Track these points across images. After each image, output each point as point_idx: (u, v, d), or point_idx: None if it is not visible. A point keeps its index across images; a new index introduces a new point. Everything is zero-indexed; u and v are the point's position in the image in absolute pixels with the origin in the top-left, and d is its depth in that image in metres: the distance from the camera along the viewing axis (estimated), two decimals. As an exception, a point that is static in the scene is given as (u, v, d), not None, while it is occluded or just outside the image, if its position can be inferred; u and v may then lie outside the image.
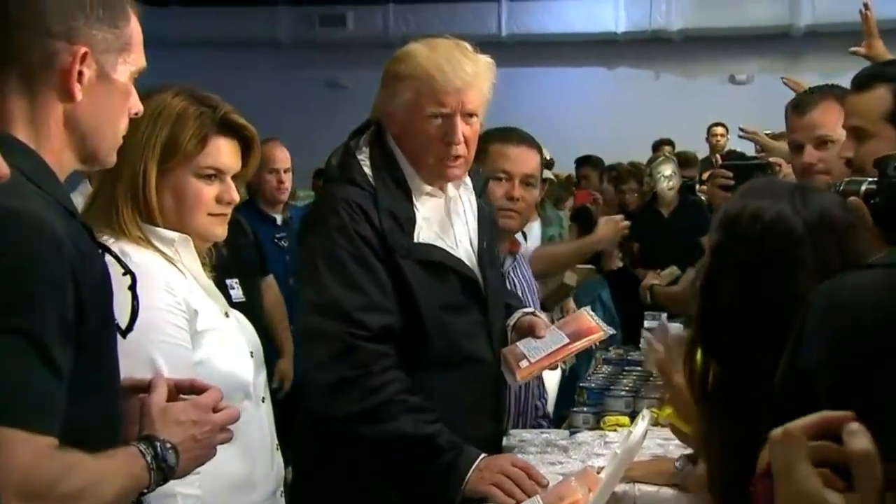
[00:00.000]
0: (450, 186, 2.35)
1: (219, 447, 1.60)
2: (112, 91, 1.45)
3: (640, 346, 3.87)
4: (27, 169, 1.36)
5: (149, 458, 1.43)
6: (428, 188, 2.31)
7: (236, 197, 1.97)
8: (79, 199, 1.97)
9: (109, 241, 1.78)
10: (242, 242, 3.85)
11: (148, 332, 1.72)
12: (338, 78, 11.81)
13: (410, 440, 2.14)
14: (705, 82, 11.79)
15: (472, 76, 2.22)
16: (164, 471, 1.45)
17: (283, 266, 4.47)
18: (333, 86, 11.89)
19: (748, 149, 4.40)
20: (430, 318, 2.21)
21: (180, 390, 1.61)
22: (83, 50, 1.39)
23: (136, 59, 1.48)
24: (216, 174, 1.93)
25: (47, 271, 1.29)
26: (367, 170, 2.26)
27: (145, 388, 1.57)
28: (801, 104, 2.61)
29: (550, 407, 3.15)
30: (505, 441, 2.55)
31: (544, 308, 3.36)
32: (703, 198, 5.73)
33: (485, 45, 2.35)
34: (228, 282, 2.82)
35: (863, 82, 2.20)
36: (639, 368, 3.16)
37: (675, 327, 3.63)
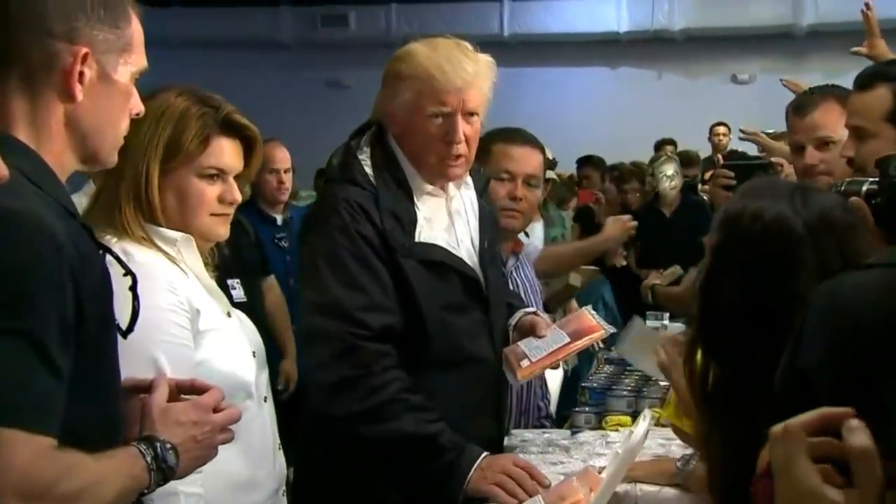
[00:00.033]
0: (451, 186, 2.35)
1: (222, 446, 1.60)
2: (113, 91, 1.45)
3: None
4: (27, 169, 1.36)
5: (149, 459, 1.43)
6: (429, 188, 2.31)
7: (238, 197, 1.97)
8: (83, 199, 1.98)
9: (112, 241, 1.78)
10: (244, 242, 3.85)
11: (151, 332, 1.72)
12: (340, 78, 11.81)
13: (412, 439, 2.14)
14: (707, 82, 11.78)
15: (472, 75, 2.23)
16: (164, 471, 1.45)
17: (283, 266, 4.47)
18: (335, 86, 11.89)
19: (750, 149, 4.39)
20: (431, 317, 2.21)
21: (181, 390, 1.61)
22: (84, 50, 1.39)
23: (137, 60, 1.48)
24: (218, 174, 1.93)
25: (47, 272, 1.29)
26: (369, 169, 2.26)
27: (146, 388, 1.57)
28: (801, 105, 2.61)
29: (553, 407, 3.15)
30: (506, 441, 2.55)
31: (547, 309, 3.36)
32: (705, 197, 5.74)
33: (487, 44, 2.36)
34: (230, 282, 2.82)
35: (865, 82, 2.20)
36: (641, 368, 3.16)
37: (677, 327, 3.65)
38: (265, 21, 12.22)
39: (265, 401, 2.02)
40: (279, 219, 4.71)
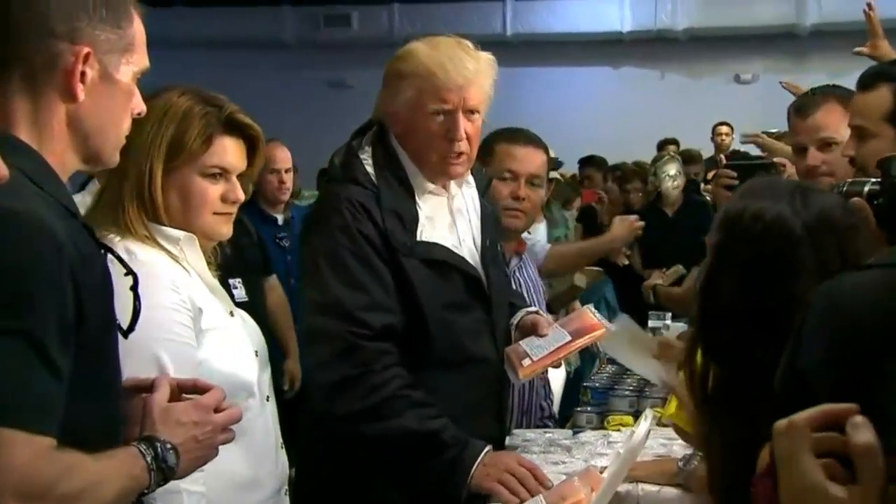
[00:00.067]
0: (453, 185, 2.36)
1: (224, 446, 1.61)
2: (115, 91, 1.45)
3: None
4: (29, 170, 1.36)
5: (149, 459, 1.43)
6: (431, 186, 2.31)
7: (241, 196, 1.98)
8: (88, 199, 1.98)
9: (115, 240, 1.79)
10: (245, 242, 3.85)
11: (153, 331, 1.73)
12: (342, 78, 11.81)
13: (415, 436, 2.14)
14: (710, 82, 11.77)
15: (473, 73, 2.23)
16: (165, 471, 1.45)
17: (284, 266, 4.47)
18: (338, 86, 11.90)
19: (753, 149, 4.40)
20: (433, 316, 2.22)
21: (183, 390, 1.62)
22: (86, 50, 1.39)
23: (139, 60, 1.48)
24: (221, 173, 1.94)
25: (47, 272, 1.29)
26: (370, 169, 2.26)
27: (148, 387, 1.58)
28: (803, 107, 2.61)
29: (556, 407, 3.16)
30: (508, 440, 2.55)
31: (550, 310, 3.37)
32: (708, 197, 5.73)
33: (490, 44, 2.36)
34: (231, 281, 2.82)
35: (867, 81, 2.21)
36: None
37: (679, 327, 3.65)
38: (268, 21, 12.22)
39: (267, 400, 2.02)
40: (280, 218, 4.71)
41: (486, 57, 2.28)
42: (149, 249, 1.84)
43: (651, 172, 6.15)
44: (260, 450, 1.97)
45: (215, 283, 1.97)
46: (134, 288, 1.54)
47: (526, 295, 2.91)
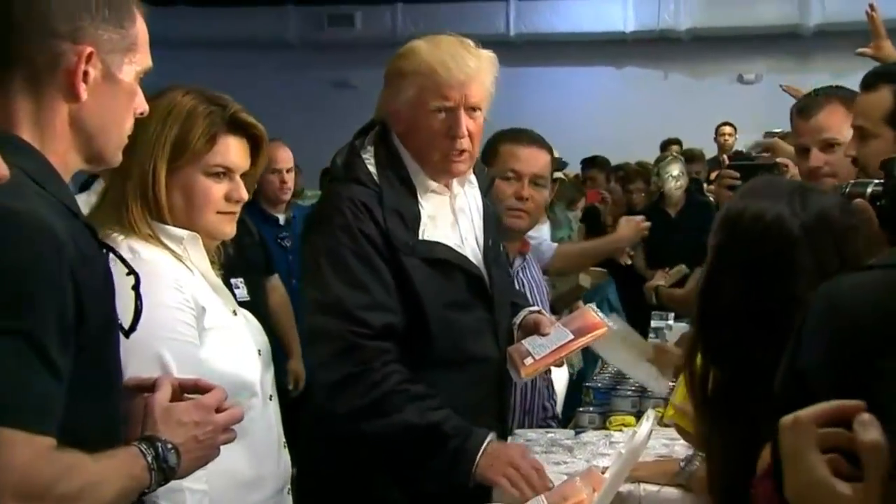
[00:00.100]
0: (455, 184, 2.36)
1: (227, 444, 1.61)
2: (118, 91, 1.45)
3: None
4: (31, 170, 1.36)
5: (149, 459, 1.43)
6: (433, 185, 2.31)
7: (245, 195, 1.98)
8: (93, 198, 1.99)
9: (119, 239, 1.79)
10: (247, 242, 3.85)
11: (156, 329, 1.73)
12: (346, 78, 11.81)
13: (416, 430, 2.14)
14: (713, 82, 11.76)
15: (475, 70, 2.23)
16: (165, 471, 1.46)
17: (286, 266, 4.47)
18: (341, 86, 11.89)
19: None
20: (434, 316, 2.22)
21: (185, 390, 1.62)
22: (88, 50, 1.39)
23: (141, 60, 1.48)
24: (225, 172, 1.94)
25: (47, 272, 1.29)
26: (372, 168, 2.27)
27: (150, 387, 1.58)
28: (805, 108, 2.61)
29: (559, 408, 3.16)
30: (510, 440, 2.55)
31: (554, 310, 3.37)
32: (711, 198, 5.73)
33: (493, 44, 2.36)
34: (233, 281, 2.81)
35: (869, 82, 2.21)
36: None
37: (682, 327, 3.65)
38: (271, 21, 12.22)
39: (270, 399, 2.02)
40: (281, 218, 4.71)
41: (488, 54, 2.29)
42: (152, 248, 1.85)
43: (654, 173, 6.15)
44: (262, 449, 1.97)
45: (218, 282, 1.97)
46: (136, 288, 1.54)
47: (529, 295, 2.91)
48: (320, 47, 12.18)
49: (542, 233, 4.01)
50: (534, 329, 2.41)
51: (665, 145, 8.64)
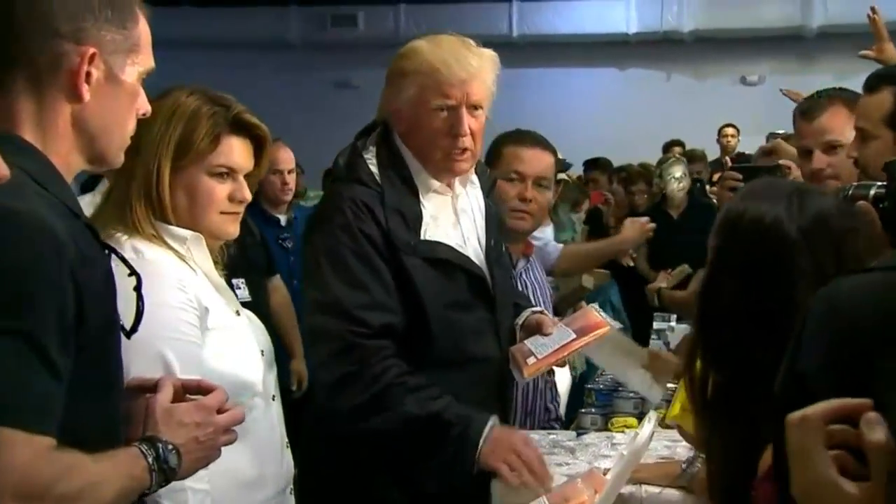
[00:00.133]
0: (457, 184, 2.36)
1: (230, 445, 1.61)
2: (120, 92, 1.45)
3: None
4: (33, 170, 1.36)
5: (150, 460, 1.43)
6: (435, 185, 2.31)
7: (248, 195, 1.98)
8: (98, 199, 1.99)
9: (122, 238, 1.80)
10: (249, 242, 3.86)
11: (159, 329, 1.73)
12: (348, 78, 11.80)
13: (417, 421, 2.14)
14: (716, 83, 11.75)
15: (476, 68, 2.23)
16: (166, 472, 1.46)
17: (287, 267, 4.47)
18: (344, 86, 11.89)
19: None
20: (435, 316, 2.22)
21: (187, 390, 1.62)
22: (91, 51, 1.39)
23: (144, 60, 1.48)
24: (228, 173, 1.94)
25: (47, 272, 1.29)
26: (374, 168, 2.27)
27: (152, 387, 1.58)
28: (808, 110, 2.61)
29: (562, 410, 3.16)
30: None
31: (557, 312, 3.37)
32: (714, 199, 5.72)
33: (495, 45, 2.36)
34: (235, 281, 2.82)
35: (871, 84, 2.22)
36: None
37: (684, 329, 3.65)
38: (274, 21, 12.22)
39: (273, 400, 2.03)
40: (283, 219, 4.72)
41: (489, 53, 2.29)
42: (156, 248, 1.85)
43: (656, 174, 6.15)
44: (265, 449, 1.97)
45: (222, 282, 1.97)
46: (137, 289, 1.54)
47: (532, 297, 2.91)
48: (323, 48, 12.17)
49: (545, 234, 4.02)
50: (536, 329, 2.41)
51: (667, 147, 8.64)
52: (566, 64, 11.96)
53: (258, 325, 2.07)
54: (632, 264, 5.34)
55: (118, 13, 1.43)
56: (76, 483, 1.31)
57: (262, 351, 2.00)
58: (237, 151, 1.95)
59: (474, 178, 2.43)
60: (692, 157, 7.27)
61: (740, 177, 2.74)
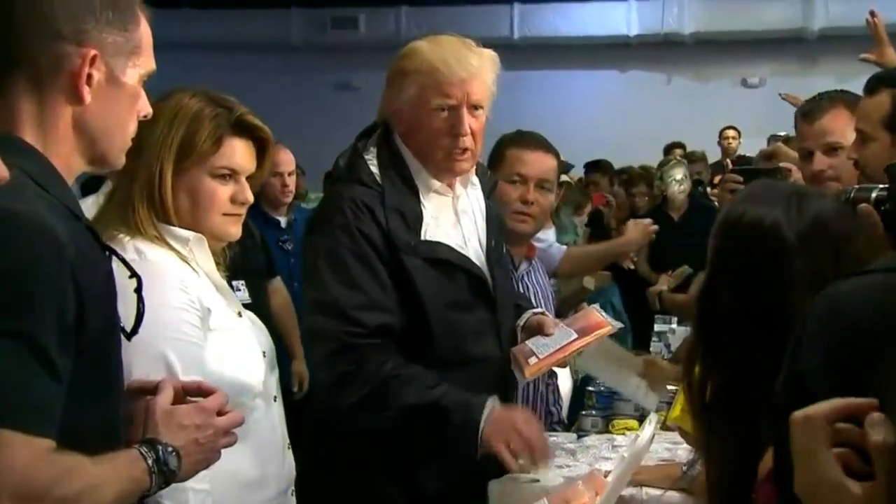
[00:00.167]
0: (458, 185, 2.36)
1: (230, 447, 1.61)
2: (121, 94, 1.46)
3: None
4: (33, 172, 1.36)
5: (150, 462, 1.43)
6: (436, 185, 2.32)
7: (250, 197, 1.99)
8: (101, 200, 2.00)
9: (125, 240, 1.80)
10: (249, 245, 3.86)
11: (161, 330, 1.73)
12: (349, 80, 11.81)
13: (417, 410, 2.14)
14: (717, 85, 11.75)
15: (476, 68, 2.24)
16: (166, 474, 1.46)
17: (287, 269, 4.48)
18: (345, 88, 11.89)
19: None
20: (435, 316, 2.22)
21: (187, 392, 1.62)
22: (92, 53, 1.40)
23: (145, 62, 1.49)
24: (231, 174, 1.94)
25: (47, 274, 1.29)
26: (375, 169, 2.27)
27: (153, 390, 1.58)
28: (810, 111, 2.61)
29: (564, 413, 3.16)
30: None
31: (559, 314, 3.38)
32: (714, 202, 5.72)
33: (496, 47, 2.36)
34: (235, 283, 2.83)
35: (871, 86, 2.24)
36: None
37: (684, 331, 3.65)
38: (275, 23, 12.22)
39: (274, 401, 2.03)
40: (283, 221, 4.72)
41: (489, 53, 2.30)
42: (158, 249, 1.85)
43: (657, 177, 6.15)
44: (266, 450, 1.97)
45: (224, 283, 1.98)
46: (138, 290, 1.54)
47: (534, 300, 2.90)
48: (324, 50, 12.18)
49: (548, 237, 4.02)
50: (537, 330, 2.42)
51: (668, 149, 8.63)
52: (567, 66, 11.96)
53: (260, 326, 2.07)
54: (633, 267, 5.34)
55: (119, 15, 1.43)
56: (75, 485, 1.31)
57: (264, 352, 2.00)
58: (239, 153, 1.95)
59: (475, 179, 2.43)
60: (692, 158, 7.27)
61: (741, 179, 2.74)
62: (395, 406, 2.15)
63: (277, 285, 4.41)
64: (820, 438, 0.89)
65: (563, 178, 4.31)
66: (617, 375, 2.72)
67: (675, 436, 2.33)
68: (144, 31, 1.49)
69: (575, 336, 2.37)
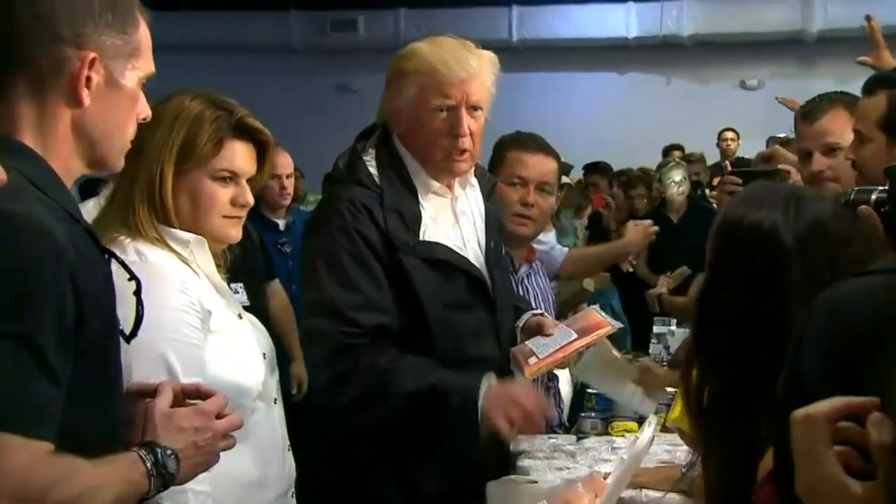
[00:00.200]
0: (457, 186, 2.37)
1: (229, 450, 1.61)
2: (120, 97, 1.46)
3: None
4: (33, 175, 1.36)
5: (149, 465, 1.44)
6: (435, 186, 2.32)
7: (251, 199, 1.99)
8: (102, 202, 2.00)
9: (126, 241, 1.80)
10: (248, 247, 3.86)
11: (161, 331, 1.73)
12: (349, 82, 11.81)
13: (416, 397, 2.15)
14: (716, 87, 11.76)
15: (476, 69, 2.25)
16: (165, 477, 1.46)
17: (286, 272, 4.48)
18: (344, 90, 11.89)
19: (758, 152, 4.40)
20: (434, 316, 2.22)
21: (187, 395, 1.62)
22: (92, 56, 1.40)
23: (144, 65, 1.49)
24: (231, 177, 1.95)
25: (46, 276, 1.29)
26: (373, 170, 2.28)
27: (152, 392, 1.58)
28: (809, 112, 2.62)
29: (564, 415, 3.16)
30: (512, 446, 2.55)
31: (559, 316, 3.38)
32: (713, 203, 5.72)
33: (496, 49, 2.37)
34: (233, 286, 2.84)
35: (869, 87, 2.25)
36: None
37: (684, 333, 3.65)
38: (275, 26, 12.23)
39: (275, 402, 2.03)
40: (282, 224, 4.72)
41: (488, 54, 2.30)
42: (159, 251, 1.85)
43: (656, 179, 6.15)
44: (267, 451, 1.97)
45: (224, 285, 1.98)
46: (137, 293, 1.54)
47: (535, 303, 2.91)
48: (323, 52, 12.18)
49: (549, 239, 4.03)
50: (537, 331, 2.42)
51: (667, 151, 8.63)
52: (566, 68, 11.96)
53: (260, 328, 2.07)
54: (632, 270, 5.34)
55: (119, 18, 1.43)
56: (74, 488, 1.31)
57: (264, 354, 2.00)
58: (240, 156, 1.96)
59: (473, 180, 2.43)
60: (690, 160, 7.27)
61: (740, 181, 2.75)
62: (393, 396, 2.15)
63: (276, 288, 4.41)
64: (821, 437, 0.89)
65: (564, 180, 4.31)
66: (614, 384, 2.72)
67: (675, 437, 2.33)
68: (143, 34, 1.49)
69: (575, 336, 2.38)
